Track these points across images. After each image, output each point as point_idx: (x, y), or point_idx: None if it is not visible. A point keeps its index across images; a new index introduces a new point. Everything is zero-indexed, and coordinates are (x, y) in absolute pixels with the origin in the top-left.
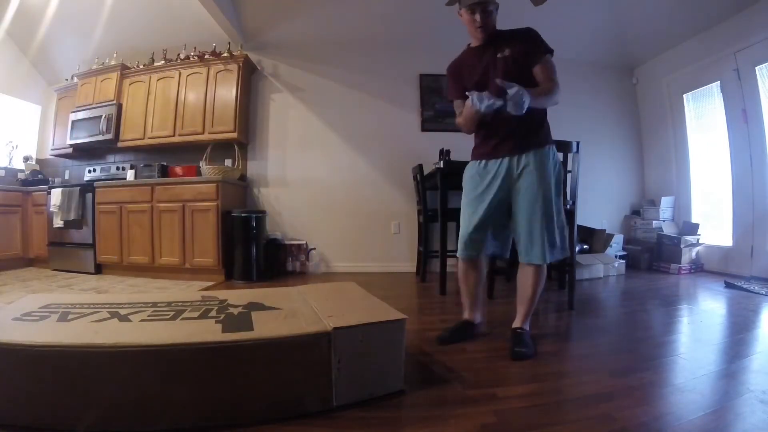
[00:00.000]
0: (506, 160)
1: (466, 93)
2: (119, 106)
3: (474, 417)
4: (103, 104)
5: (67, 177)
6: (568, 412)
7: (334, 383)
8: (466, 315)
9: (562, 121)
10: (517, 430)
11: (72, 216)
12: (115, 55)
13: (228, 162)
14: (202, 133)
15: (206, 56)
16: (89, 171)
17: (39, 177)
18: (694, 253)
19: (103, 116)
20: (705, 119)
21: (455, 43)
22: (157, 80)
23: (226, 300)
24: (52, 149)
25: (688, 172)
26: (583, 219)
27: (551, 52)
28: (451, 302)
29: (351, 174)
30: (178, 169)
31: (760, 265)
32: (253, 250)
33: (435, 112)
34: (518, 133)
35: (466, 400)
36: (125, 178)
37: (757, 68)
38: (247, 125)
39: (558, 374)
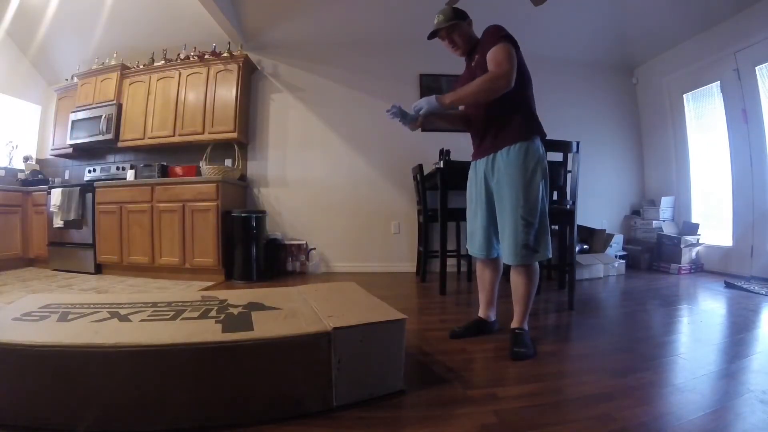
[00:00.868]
0: (486, 160)
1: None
2: (119, 106)
3: (474, 417)
4: (103, 104)
5: (67, 177)
6: (568, 412)
7: (334, 383)
8: (480, 312)
9: (562, 121)
10: (517, 430)
11: (72, 216)
12: (115, 55)
13: (228, 162)
14: (202, 133)
15: (206, 56)
16: (89, 171)
17: (39, 177)
18: (694, 253)
19: (103, 116)
20: (705, 119)
21: None
22: (157, 80)
23: (226, 300)
24: (52, 149)
25: (688, 172)
26: (583, 219)
27: (502, 37)
28: (451, 302)
29: (351, 174)
30: (178, 169)
31: (760, 265)
32: (253, 250)
33: None
34: (492, 132)
35: (466, 400)
36: (125, 178)
37: (757, 68)
38: (247, 125)
39: (558, 374)
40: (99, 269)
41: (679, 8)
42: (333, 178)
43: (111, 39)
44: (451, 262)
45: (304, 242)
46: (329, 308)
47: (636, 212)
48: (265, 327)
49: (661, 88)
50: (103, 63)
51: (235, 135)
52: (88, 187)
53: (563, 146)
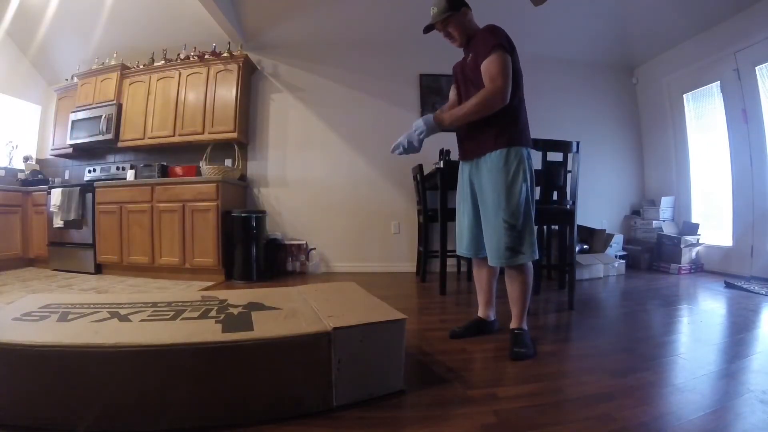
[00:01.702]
0: (470, 163)
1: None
2: (119, 106)
3: (474, 417)
4: (103, 104)
5: (67, 177)
6: (568, 412)
7: (334, 383)
8: (479, 312)
9: (562, 121)
10: (517, 430)
11: (72, 216)
12: (115, 55)
13: (228, 162)
14: (202, 133)
15: (206, 56)
16: (89, 171)
17: (39, 177)
18: (694, 253)
19: (103, 116)
20: (705, 119)
21: None
22: (157, 80)
23: (226, 300)
24: (52, 149)
25: (688, 172)
26: (583, 219)
27: (497, 46)
28: (451, 302)
29: (351, 174)
30: (178, 169)
31: (760, 265)
32: (253, 250)
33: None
34: (476, 137)
35: (466, 400)
36: (125, 178)
37: (757, 68)
38: (247, 125)
39: (558, 374)
40: (99, 269)
41: (679, 8)
42: (333, 178)
43: (111, 39)
44: (451, 262)
45: (304, 242)
46: (329, 308)
47: (636, 212)
48: (265, 327)
49: (661, 88)
50: (103, 63)
51: (235, 135)
52: (88, 187)
53: (563, 146)
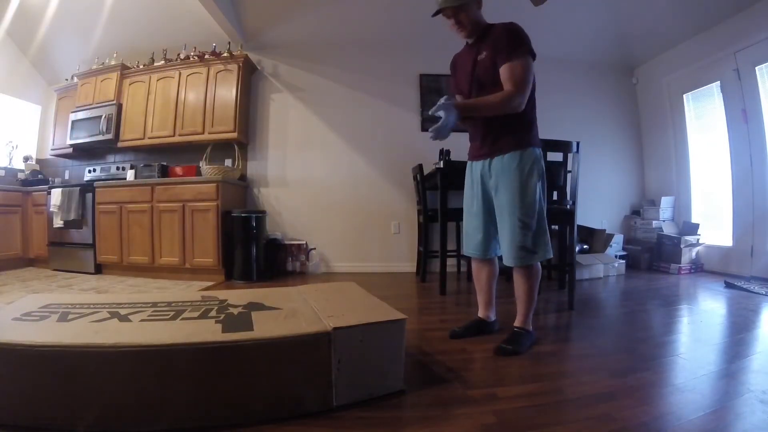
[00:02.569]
0: (482, 163)
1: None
2: (119, 106)
3: (474, 417)
4: (103, 104)
5: (67, 177)
6: (568, 412)
7: (334, 383)
8: (479, 313)
9: (562, 121)
10: (517, 430)
11: (72, 216)
12: (115, 55)
13: (228, 162)
14: (202, 133)
15: (206, 56)
16: (89, 171)
17: (39, 177)
18: (694, 253)
19: (103, 116)
20: (705, 119)
21: (455, 43)
22: (157, 80)
23: (226, 300)
24: (52, 149)
25: (688, 172)
26: (583, 219)
27: (526, 52)
28: (451, 302)
29: (351, 174)
30: (178, 169)
31: (760, 265)
32: (253, 250)
33: None
34: (491, 137)
35: (466, 400)
36: (125, 178)
37: (757, 68)
38: (247, 125)
39: (558, 374)
40: (99, 269)
41: (679, 8)
42: (333, 178)
43: (111, 39)
44: (451, 262)
45: (304, 242)
46: (329, 308)
47: (636, 212)
48: (265, 327)
49: (661, 88)
50: (103, 63)
51: (235, 135)
52: (88, 187)
53: (563, 146)
